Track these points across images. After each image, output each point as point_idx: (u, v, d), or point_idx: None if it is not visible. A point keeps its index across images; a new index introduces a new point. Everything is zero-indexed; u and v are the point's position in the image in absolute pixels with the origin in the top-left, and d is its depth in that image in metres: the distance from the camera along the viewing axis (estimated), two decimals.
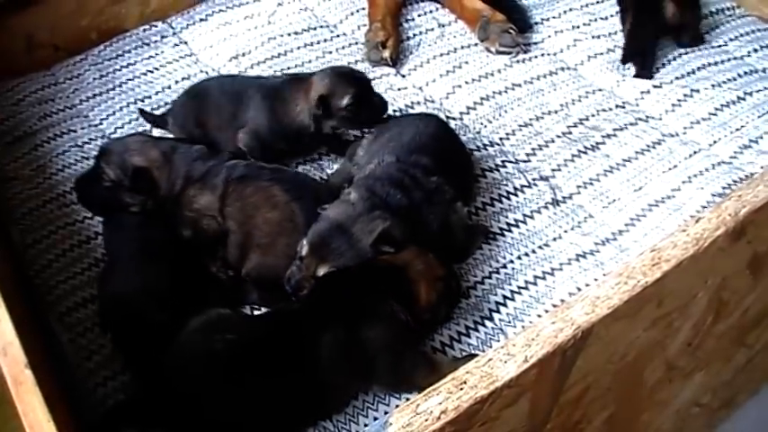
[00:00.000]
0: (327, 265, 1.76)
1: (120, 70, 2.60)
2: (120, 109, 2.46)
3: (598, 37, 2.61)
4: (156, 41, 2.71)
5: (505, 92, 2.42)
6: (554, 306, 1.85)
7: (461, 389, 1.20)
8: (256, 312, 1.92)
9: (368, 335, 1.67)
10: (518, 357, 1.24)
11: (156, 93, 2.51)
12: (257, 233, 1.91)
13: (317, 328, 1.67)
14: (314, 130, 2.16)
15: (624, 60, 2.49)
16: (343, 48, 2.62)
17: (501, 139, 2.28)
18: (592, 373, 1.42)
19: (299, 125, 2.16)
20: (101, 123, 2.42)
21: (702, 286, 1.54)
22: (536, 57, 2.55)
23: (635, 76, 2.45)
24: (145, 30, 2.75)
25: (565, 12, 2.73)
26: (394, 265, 1.76)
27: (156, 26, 2.76)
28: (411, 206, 1.85)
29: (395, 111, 2.32)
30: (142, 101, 2.48)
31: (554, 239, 2.03)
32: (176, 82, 2.54)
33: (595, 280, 1.89)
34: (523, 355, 1.24)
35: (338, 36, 2.69)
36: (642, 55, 2.50)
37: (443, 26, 2.68)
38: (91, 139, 2.36)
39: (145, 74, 2.58)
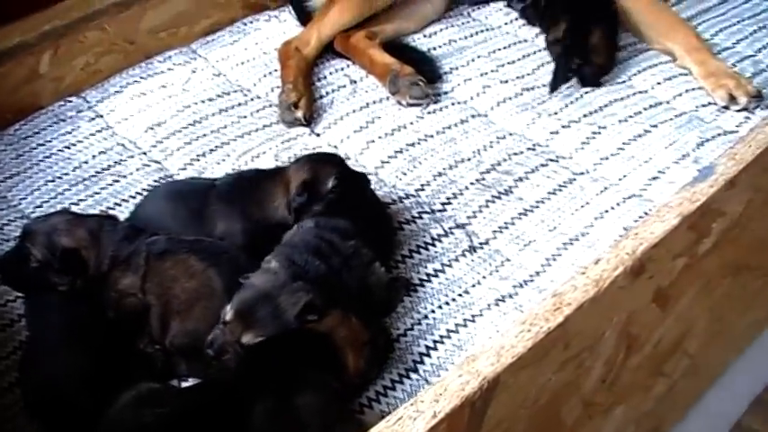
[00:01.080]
0: (252, 333, 1.77)
1: (36, 148, 2.60)
2: (39, 188, 2.45)
3: (506, 82, 2.68)
4: (71, 117, 2.71)
5: (419, 143, 2.47)
6: None
7: None
8: (186, 384, 1.92)
9: (298, 403, 1.68)
10: (427, 413, 1.26)
11: (74, 169, 2.51)
12: (175, 302, 1.91)
13: (249, 398, 1.68)
14: (294, 222, 2.05)
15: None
16: (258, 111, 2.66)
17: (416, 190, 2.32)
18: (505, 420, 1.45)
19: (278, 221, 2.08)
20: (20, 204, 2.41)
21: (609, 324, 1.59)
22: (447, 106, 2.61)
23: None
24: (60, 105, 2.75)
25: (473, 59, 2.80)
26: (319, 333, 1.78)
27: (71, 101, 2.77)
28: (330, 272, 1.88)
29: None
30: (60, 178, 2.47)
31: (473, 286, 2.06)
32: (93, 156, 2.54)
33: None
34: (432, 410, 1.27)
35: (252, 99, 2.72)
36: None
37: (355, 82, 2.74)
38: (10, 221, 2.34)
39: (62, 150, 2.58)
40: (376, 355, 1.84)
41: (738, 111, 2.50)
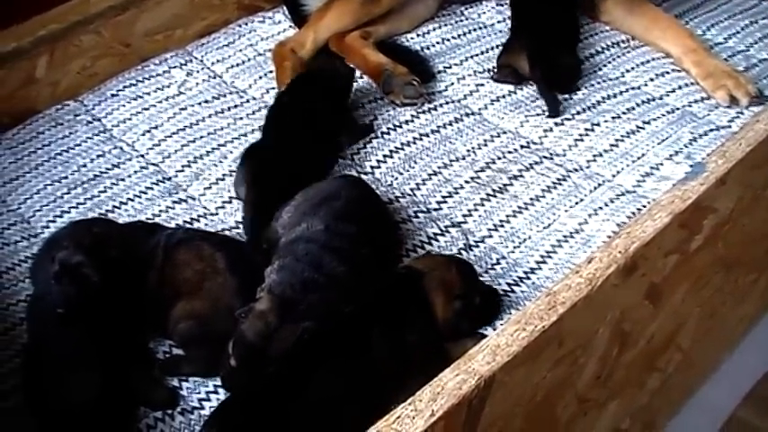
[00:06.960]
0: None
1: (35, 152, 2.62)
2: (38, 192, 2.47)
3: None
4: (69, 120, 2.73)
5: (414, 142, 2.49)
6: None
7: None
8: (187, 385, 1.92)
9: (405, 336, 1.73)
10: (425, 412, 1.29)
11: (73, 172, 2.52)
12: (186, 285, 1.93)
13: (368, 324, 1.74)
14: None
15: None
16: (254, 113, 2.67)
17: (412, 189, 2.35)
18: (501, 418, 1.47)
19: None
20: (19, 208, 2.43)
21: (602, 322, 1.61)
22: (441, 105, 2.63)
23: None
24: (57, 109, 2.77)
25: (466, 59, 2.82)
26: (417, 271, 1.84)
27: (68, 105, 2.79)
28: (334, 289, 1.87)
29: None
30: (59, 182, 2.49)
31: None
32: (91, 160, 2.56)
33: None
34: (430, 409, 1.30)
35: (248, 101, 2.74)
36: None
37: None
38: (10, 225, 2.36)
39: (60, 154, 2.60)
40: (469, 312, 1.86)
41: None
